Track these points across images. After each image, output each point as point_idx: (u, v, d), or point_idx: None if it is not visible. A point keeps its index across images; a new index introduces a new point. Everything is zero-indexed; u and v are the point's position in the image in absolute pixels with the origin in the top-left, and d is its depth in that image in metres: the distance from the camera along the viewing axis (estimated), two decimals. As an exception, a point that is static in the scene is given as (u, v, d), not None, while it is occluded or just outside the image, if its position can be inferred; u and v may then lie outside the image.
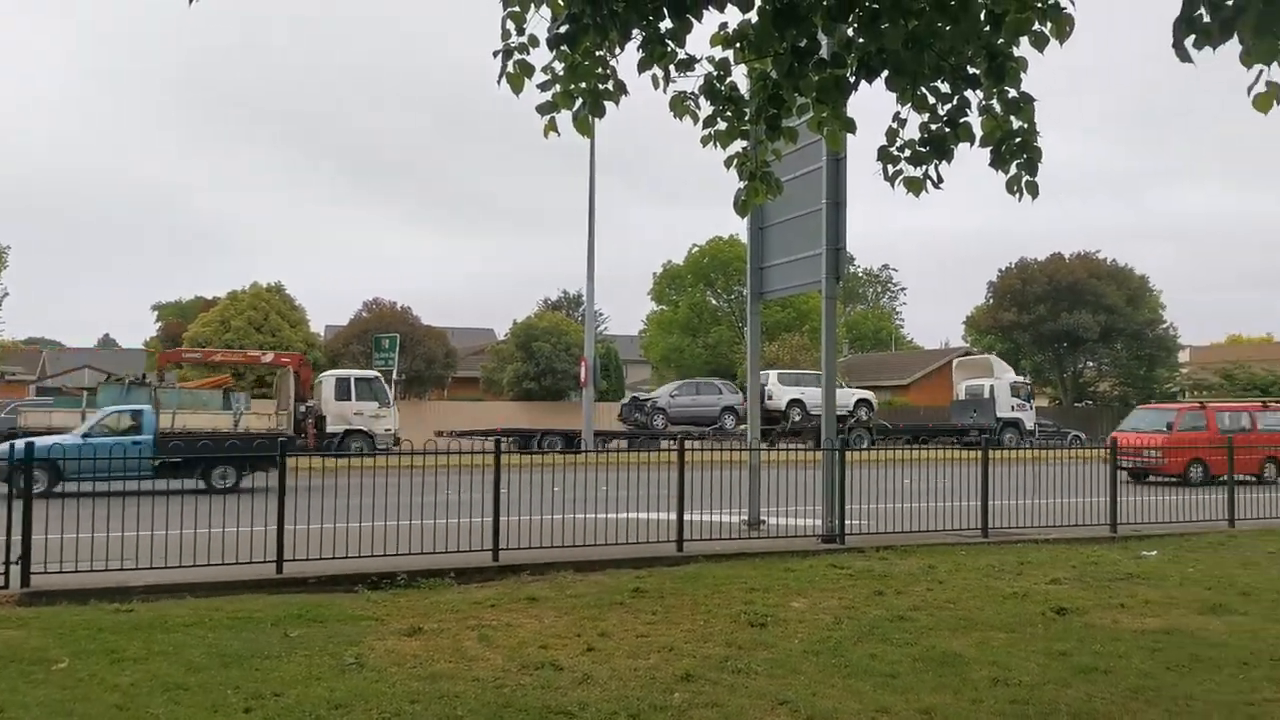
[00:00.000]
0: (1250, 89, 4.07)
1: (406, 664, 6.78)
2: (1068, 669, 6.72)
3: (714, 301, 52.29)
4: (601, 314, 68.75)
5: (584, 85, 4.81)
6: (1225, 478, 15.50)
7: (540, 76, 4.86)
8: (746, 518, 13.69)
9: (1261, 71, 4.00)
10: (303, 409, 27.94)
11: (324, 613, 8.31)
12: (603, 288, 45.51)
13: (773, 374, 35.67)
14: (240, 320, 42.36)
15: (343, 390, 29.54)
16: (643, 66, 4.65)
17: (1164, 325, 58.48)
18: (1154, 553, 12.03)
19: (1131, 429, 25.41)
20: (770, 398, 33.92)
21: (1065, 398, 57.36)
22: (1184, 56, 3.90)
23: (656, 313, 55.42)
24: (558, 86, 4.89)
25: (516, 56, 4.70)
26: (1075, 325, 53.62)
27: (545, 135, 5.03)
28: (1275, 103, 4.10)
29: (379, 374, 32.00)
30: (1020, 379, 40.98)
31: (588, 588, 9.57)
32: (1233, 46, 3.94)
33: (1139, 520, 14.23)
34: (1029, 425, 37.32)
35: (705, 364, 49.51)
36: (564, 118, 5.05)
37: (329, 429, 28.51)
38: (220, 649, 7.09)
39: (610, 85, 4.89)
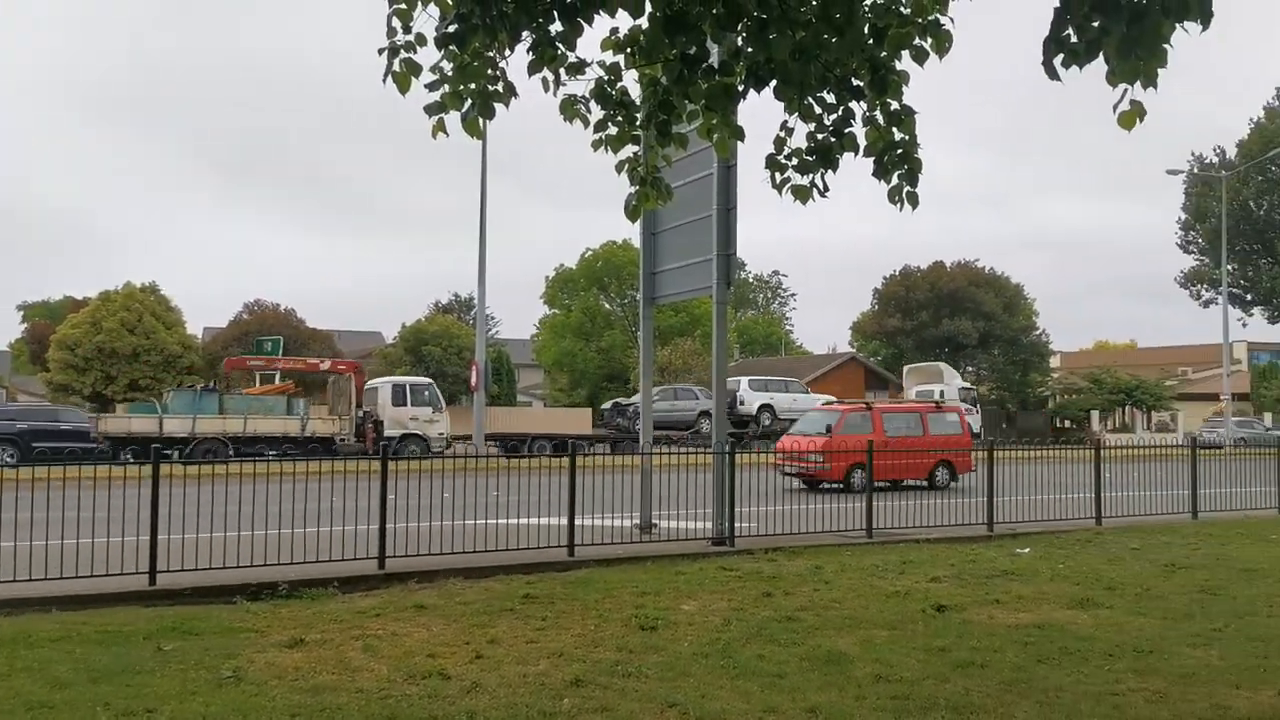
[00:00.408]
0: (1115, 107, 4.27)
1: (287, 677, 6.58)
2: (946, 664, 6.93)
3: (607, 306, 52.44)
4: (493, 317, 68.01)
5: (473, 86, 4.75)
6: (888, 482, 15.85)
7: (428, 76, 4.78)
8: (639, 522, 13.74)
9: (1126, 91, 4.20)
10: (360, 413, 30.12)
11: (200, 625, 8.00)
12: (495, 291, 45.25)
13: (744, 380, 37.24)
14: (113, 321, 40.54)
15: (399, 396, 31.37)
16: (533, 69, 4.62)
17: (1037, 332, 61.13)
18: (1027, 550, 12.52)
19: (799, 432, 23.47)
20: (742, 403, 35.77)
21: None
22: (1053, 74, 4.07)
23: (549, 316, 55.28)
24: (446, 87, 4.82)
25: (403, 55, 4.61)
26: (956, 331, 55.61)
27: (434, 136, 4.95)
28: (1139, 120, 4.32)
29: (432, 380, 34.05)
30: (966, 385, 43.82)
31: (477, 594, 9.45)
32: (1099, 66, 4.13)
33: (1014, 519, 14.80)
34: (975, 428, 38.59)
35: (598, 368, 49.61)
36: (453, 118, 4.98)
37: (386, 432, 29.69)
38: (89, 664, 6.76)
39: (500, 87, 4.84)
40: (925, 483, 20.55)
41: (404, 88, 4.65)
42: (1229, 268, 49.66)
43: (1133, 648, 7.41)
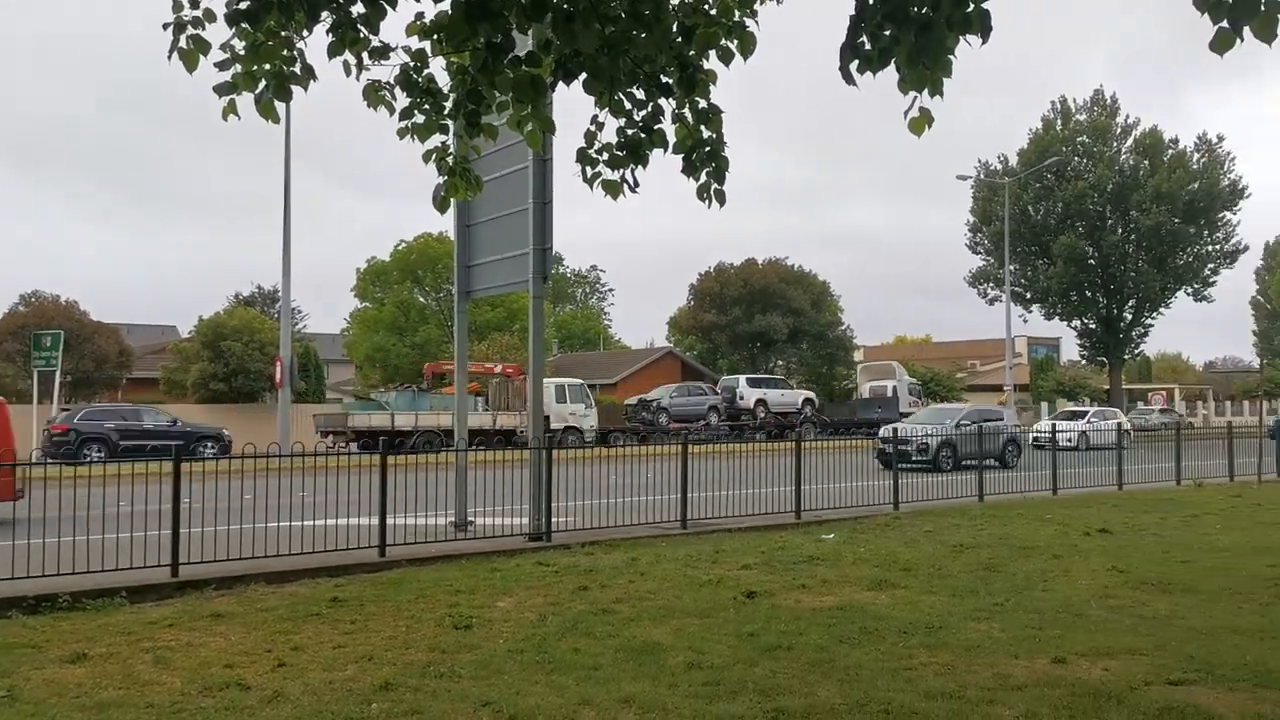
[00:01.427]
0: (906, 113, 4.49)
1: (69, 694, 6.10)
2: (755, 648, 7.14)
3: (422, 299, 51.23)
4: (300, 311, 65.38)
5: (267, 67, 4.51)
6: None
7: (219, 55, 4.51)
8: (454, 520, 13.52)
9: (915, 98, 4.42)
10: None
11: (-34, 646, 7.31)
12: (302, 284, 43.57)
13: (742, 379, 44.26)
14: None
15: (561, 394, 36.00)
16: (333, 51, 4.44)
17: (842, 327, 63.99)
18: (832, 536, 13.08)
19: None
20: (741, 398, 42.35)
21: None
22: (849, 79, 4.24)
23: (360, 310, 53.52)
24: (238, 66, 4.56)
25: (190, 31, 4.33)
26: (767, 327, 57.52)
27: (224, 118, 4.67)
28: (927, 126, 4.56)
29: (583, 382, 39.73)
30: (913, 380, 49.36)
31: (280, 600, 9.05)
32: (894, 73, 4.33)
33: (820, 507, 15.43)
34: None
35: (412, 364, 48.41)
36: (247, 100, 4.71)
37: (552, 425, 33.13)
38: None
39: (297, 69, 4.62)
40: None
41: (191, 66, 4.37)
42: (1011, 268, 53.47)
43: (925, 624, 7.85)
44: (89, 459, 25.12)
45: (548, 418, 32.33)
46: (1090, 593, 9.13)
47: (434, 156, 5.26)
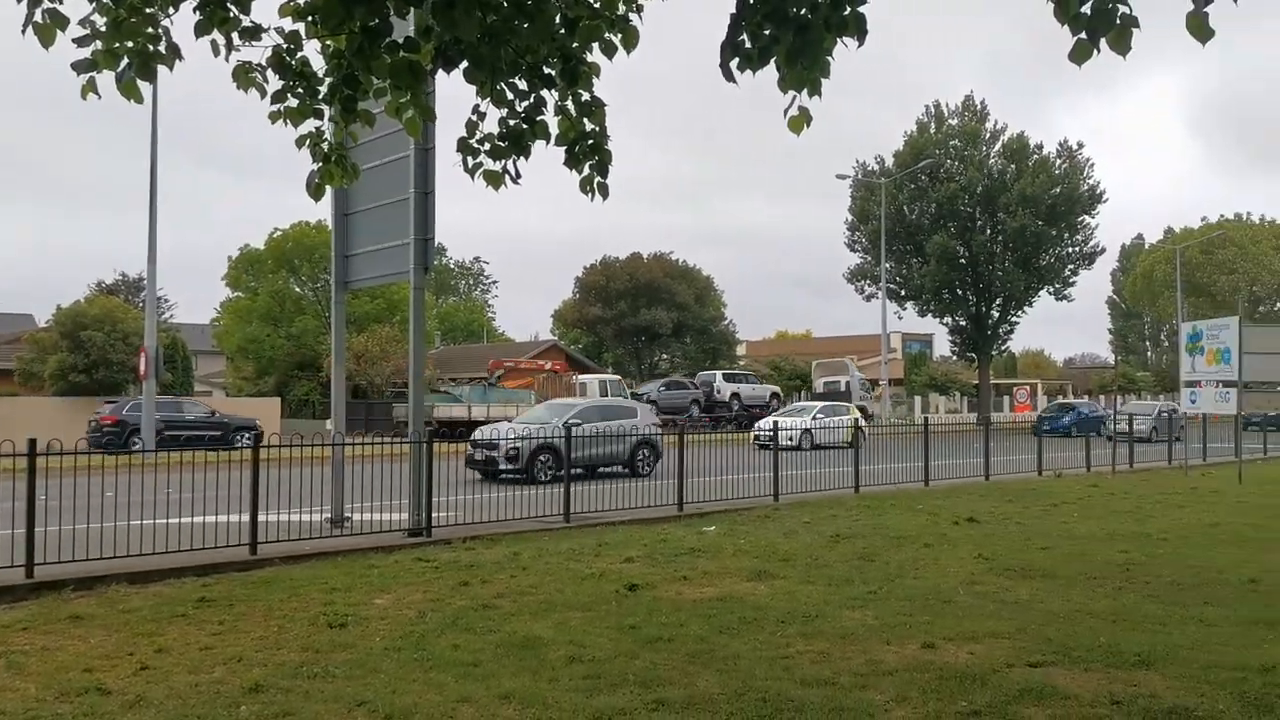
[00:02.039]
0: (786, 112, 4.56)
1: (-94, 709, 5.72)
2: (637, 641, 7.18)
3: (298, 289, 49.72)
4: (167, 300, 62.90)
5: (130, 45, 4.29)
6: None
7: (78, 30, 4.26)
8: (330, 516, 13.17)
9: (795, 97, 4.49)
10: None
11: None
12: (170, 271, 41.73)
13: (718, 374, 48.47)
14: None
15: (604, 388, 41.27)
16: (201, 30, 4.25)
17: (726, 322, 64.98)
18: (713, 528, 13.25)
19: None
20: (718, 392, 46.34)
21: (643, 387, 61.70)
22: (729, 77, 4.28)
23: (233, 300, 51.64)
24: (99, 43, 4.32)
25: (47, 4, 4.08)
26: (652, 320, 57.95)
27: (83, 97, 4.42)
28: (806, 125, 4.63)
29: (620, 378, 46.63)
30: (863, 377, 52.18)
31: (145, 600, 8.67)
32: (774, 72, 4.38)
33: (702, 499, 15.62)
34: (870, 411, 47.99)
35: (288, 356, 47.01)
36: (108, 78, 4.48)
37: None
38: None
39: (162, 47, 4.40)
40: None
41: (47, 41, 4.13)
42: (887, 266, 55.11)
43: (802, 614, 8.03)
44: (137, 448, 26.11)
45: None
46: (958, 580, 9.49)
47: (308, 142, 5.09)
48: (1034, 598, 8.67)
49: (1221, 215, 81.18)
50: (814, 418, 32.46)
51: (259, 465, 11.11)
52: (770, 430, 18.25)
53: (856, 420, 30.20)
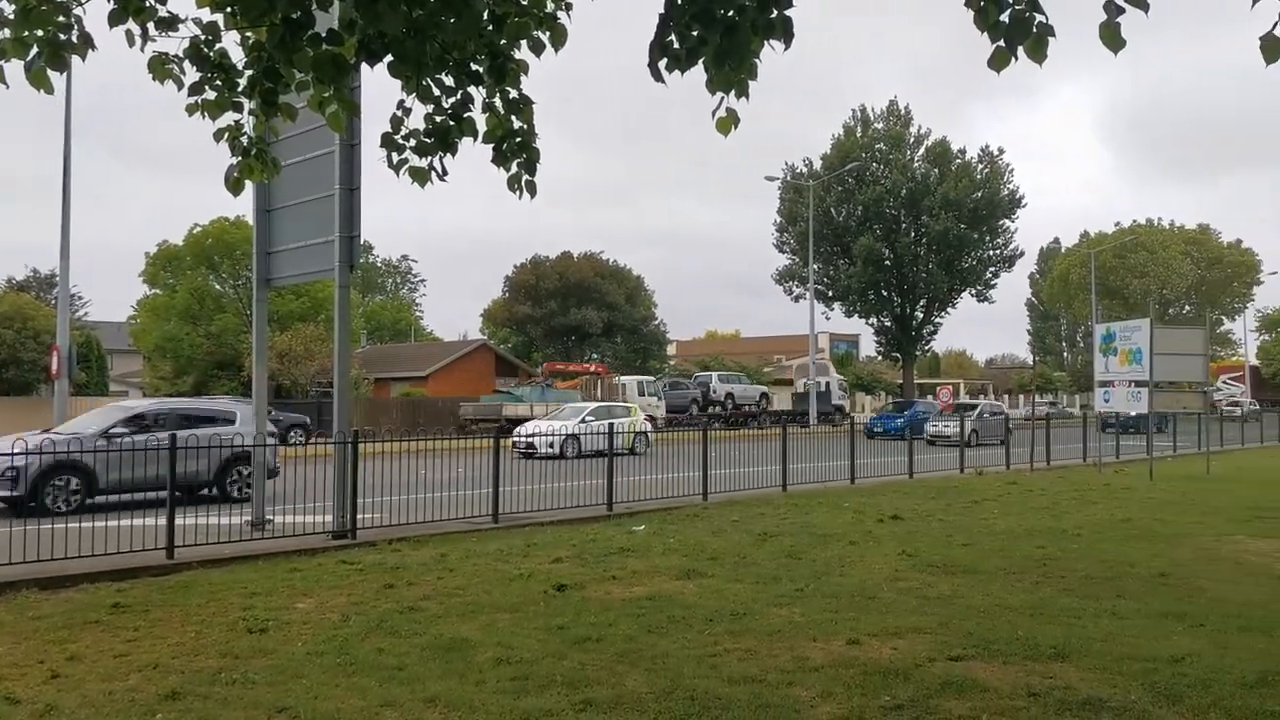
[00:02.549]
0: (714, 113, 4.58)
1: None
2: (565, 641, 7.15)
3: (218, 287, 48.44)
4: (81, 298, 60.78)
5: (40, 33, 4.13)
6: None
7: (-17, 17, 4.10)
8: (251, 518, 12.88)
9: (723, 98, 4.51)
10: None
11: None
12: (84, 268, 40.36)
13: (714, 375, 53.00)
14: None
15: (641, 389, 45.63)
16: (115, 20, 4.11)
17: (656, 321, 65.12)
18: (642, 527, 13.27)
19: None
20: (714, 392, 50.89)
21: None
22: (657, 77, 4.29)
23: (150, 298, 50.14)
24: (7, 31, 4.16)
25: (-51, -10, 3.92)
26: (583, 320, 57.87)
27: (-10, 85, 4.25)
28: (734, 126, 4.66)
29: (655, 378, 50.54)
30: (840, 378, 57.46)
31: (55, 607, 8.38)
32: (703, 73, 4.40)
33: (631, 498, 15.63)
34: (846, 410, 53.54)
35: (208, 355, 45.84)
36: (17, 67, 4.31)
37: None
38: None
39: (74, 36, 4.26)
40: None
41: (-51, 27, 3.96)
42: (815, 267, 55.81)
43: (730, 612, 8.08)
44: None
45: (632, 406, 42.26)
46: (882, 576, 9.64)
47: (227, 136, 4.96)
48: (955, 593, 8.85)
49: (1134, 220, 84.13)
50: (583, 421, 28.46)
51: (174, 468, 10.81)
52: (528, 437, 17.18)
53: (636, 424, 29.02)
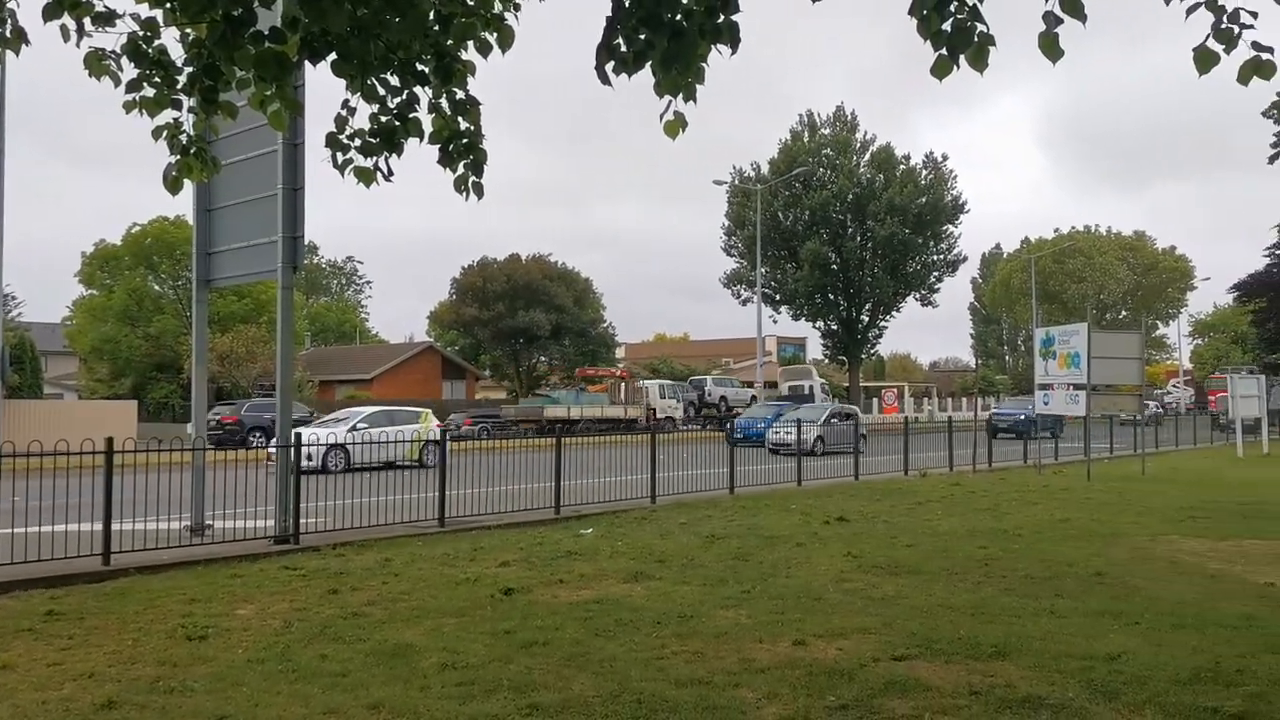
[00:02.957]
0: (662, 116, 4.59)
1: None
2: (511, 645, 7.11)
3: (157, 288, 47.49)
4: (14, 298, 59.16)
5: (-30, 27, 4.02)
6: None
7: (-91, 7, 3.98)
8: (190, 523, 12.63)
9: (670, 102, 4.52)
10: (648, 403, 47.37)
11: None
12: (17, 268, 39.24)
13: (709, 379, 56.96)
14: None
15: (662, 392, 49.32)
16: (49, 14, 4.01)
17: (605, 324, 65.05)
18: (590, 530, 13.25)
19: None
20: (709, 394, 54.22)
21: (521, 390, 61.27)
22: (604, 79, 4.29)
23: (86, 298, 49.03)
24: (-66, 23, 4.05)
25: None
26: (531, 322, 57.62)
27: (-85, 77, 4.13)
28: (681, 130, 4.67)
29: (674, 381, 53.84)
30: (824, 380, 58.02)
31: (-14, 617, 8.15)
32: (649, 76, 4.41)
33: (579, 501, 15.60)
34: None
35: (146, 356, 44.91)
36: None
37: (658, 416, 46.00)
38: None
39: (7, 31, 4.14)
40: None
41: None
42: (763, 270, 56.22)
43: (678, 614, 8.09)
44: (255, 445, 28.73)
45: (654, 409, 47.19)
46: (828, 577, 9.73)
47: (166, 134, 4.86)
48: (899, 593, 8.96)
49: (1073, 227, 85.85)
50: (354, 430, 24.87)
51: (112, 471, 10.56)
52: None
53: (424, 432, 24.10)
